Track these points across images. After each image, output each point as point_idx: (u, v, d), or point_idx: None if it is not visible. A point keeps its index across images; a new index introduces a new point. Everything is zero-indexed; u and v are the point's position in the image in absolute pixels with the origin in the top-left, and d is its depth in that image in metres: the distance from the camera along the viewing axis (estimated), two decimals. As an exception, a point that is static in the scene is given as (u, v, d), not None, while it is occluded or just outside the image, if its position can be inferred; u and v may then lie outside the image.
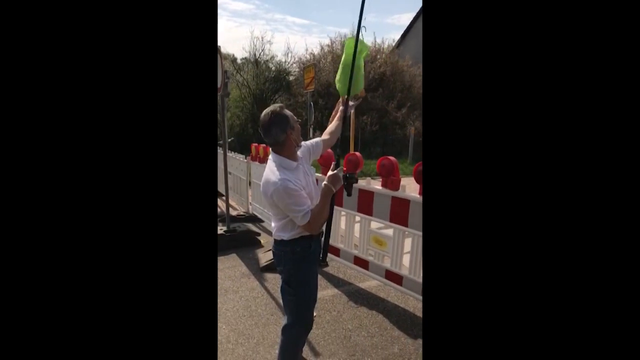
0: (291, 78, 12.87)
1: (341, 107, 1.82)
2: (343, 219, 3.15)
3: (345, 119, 1.79)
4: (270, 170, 1.50)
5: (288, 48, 21.57)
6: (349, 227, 3.07)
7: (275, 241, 1.64)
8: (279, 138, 1.50)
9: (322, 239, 1.69)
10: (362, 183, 2.90)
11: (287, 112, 1.53)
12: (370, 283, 2.98)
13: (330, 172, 1.57)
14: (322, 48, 13.05)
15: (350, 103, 1.79)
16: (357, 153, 3.00)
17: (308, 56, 12.87)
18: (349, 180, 1.64)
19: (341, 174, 1.59)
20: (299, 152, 1.61)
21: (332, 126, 1.83)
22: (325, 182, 1.55)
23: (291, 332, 1.69)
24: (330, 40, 13.31)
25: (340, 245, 3.16)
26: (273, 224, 1.64)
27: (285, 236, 1.57)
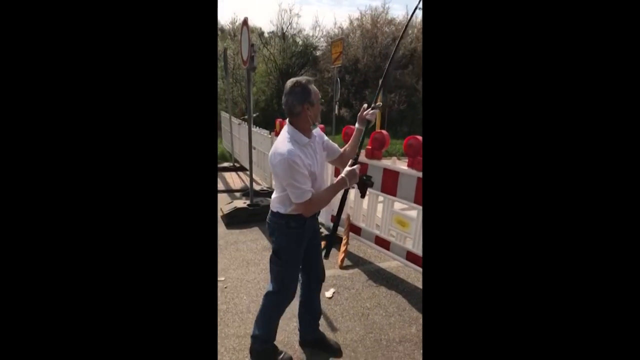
0: (318, 53, 12.60)
1: (357, 126, 1.74)
2: (366, 198, 3.11)
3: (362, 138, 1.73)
4: (281, 140, 1.51)
5: (316, 21, 21.06)
6: (371, 207, 3.04)
7: (272, 212, 1.66)
8: (294, 109, 1.49)
9: (318, 217, 1.71)
10: (388, 162, 2.84)
11: (313, 87, 1.52)
12: (391, 263, 2.97)
13: (349, 167, 1.58)
14: (351, 22, 12.64)
15: (371, 111, 1.73)
16: (384, 131, 2.93)
17: (336, 30, 12.53)
18: (365, 182, 1.64)
19: (358, 172, 1.60)
20: (314, 132, 1.61)
21: (350, 146, 1.76)
22: (343, 174, 1.56)
23: (272, 299, 1.74)
24: (360, 13, 12.88)
25: (362, 225, 3.14)
26: (274, 195, 1.65)
27: (282, 209, 1.59)
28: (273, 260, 1.69)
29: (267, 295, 1.76)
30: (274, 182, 1.67)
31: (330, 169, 3.41)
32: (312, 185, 1.53)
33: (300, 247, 1.68)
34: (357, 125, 1.75)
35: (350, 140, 1.78)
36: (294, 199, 1.51)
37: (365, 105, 1.75)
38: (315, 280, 1.86)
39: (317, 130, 1.64)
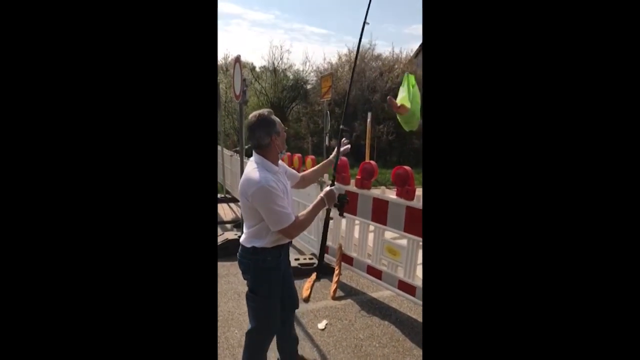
0: (309, 87, 13.02)
1: (332, 156, 1.90)
2: (357, 227, 3.14)
3: (336, 162, 1.89)
4: (251, 171, 1.50)
5: (306, 57, 21.86)
6: (362, 236, 3.07)
7: (244, 248, 1.59)
8: (262, 141, 1.52)
9: (290, 246, 1.72)
10: (377, 192, 2.90)
11: (275, 118, 1.57)
12: (383, 293, 2.96)
13: (327, 188, 1.64)
14: (339, 57, 13.19)
15: (345, 141, 1.93)
16: (372, 162, 3.01)
17: (326, 65, 13.02)
18: (341, 201, 1.69)
19: (336, 193, 1.66)
20: (279, 162, 1.64)
21: (317, 169, 1.92)
22: (322, 194, 1.61)
23: (254, 338, 1.70)
24: (348, 49, 13.45)
25: (354, 254, 3.15)
26: (245, 230, 1.61)
27: (259, 243, 1.54)
28: (250, 298, 1.62)
29: (249, 334, 1.70)
30: (244, 216, 1.60)
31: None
32: None
33: (277, 281, 1.63)
34: (331, 156, 1.89)
35: (315, 166, 1.91)
36: (275, 226, 1.47)
37: (345, 140, 1.92)
38: (290, 308, 1.82)
39: (281, 164, 1.67)
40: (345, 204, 1.70)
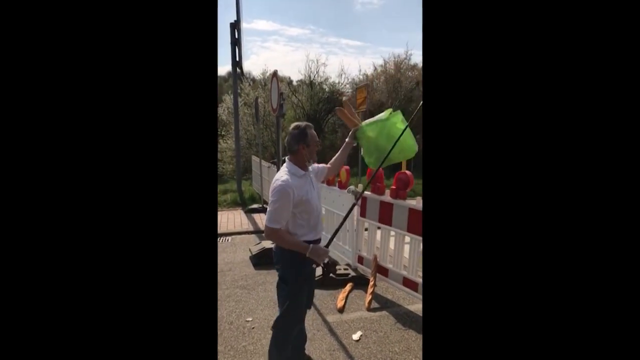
0: (344, 98, 13.12)
1: (347, 140, 2.09)
2: (392, 239, 3.11)
3: (346, 150, 2.08)
4: (282, 172, 1.74)
5: (342, 69, 22.06)
6: (398, 248, 3.03)
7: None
8: (292, 147, 1.76)
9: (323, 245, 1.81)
10: (412, 202, 2.87)
11: (311, 131, 1.79)
12: (419, 305, 2.88)
13: (321, 246, 1.73)
14: (375, 68, 13.23)
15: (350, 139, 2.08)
16: (408, 172, 2.98)
17: (361, 77, 13.09)
18: (327, 268, 1.71)
19: (326, 258, 1.75)
20: (310, 167, 1.85)
21: (337, 157, 2.10)
22: (311, 246, 1.69)
23: (280, 325, 1.82)
24: (384, 60, 13.44)
25: (389, 266, 3.11)
26: None
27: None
28: (280, 287, 1.81)
29: (276, 323, 1.82)
30: None
31: (355, 207, 3.46)
32: (306, 209, 1.73)
33: (305, 271, 1.79)
34: (347, 139, 2.08)
35: (338, 152, 2.08)
36: (266, 220, 1.67)
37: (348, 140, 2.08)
38: (306, 306, 1.94)
39: (312, 165, 1.89)
40: (329, 273, 1.71)
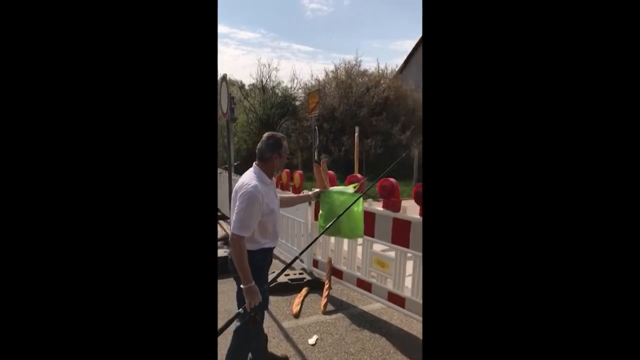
0: (297, 103, 13.17)
1: (309, 194, 2.21)
2: (345, 241, 3.16)
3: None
4: (249, 177, 1.73)
5: (294, 74, 22.17)
6: (351, 249, 3.08)
7: None
8: (264, 154, 1.76)
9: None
10: (365, 205, 2.93)
11: (285, 143, 1.83)
12: (373, 306, 2.95)
13: (258, 289, 1.67)
14: (327, 74, 13.42)
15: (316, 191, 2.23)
16: (392, 179, 2.73)
17: (313, 82, 13.21)
18: (255, 312, 1.71)
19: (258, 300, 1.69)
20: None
21: (291, 198, 2.26)
22: (250, 284, 1.65)
23: (241, 332, 1.81)
24: (335, 66, 13.69)
25: (343, 268, 3.16)
26: None
27: (249, 246, 1.70)
28: (240, 294, 1.77)
29: (237, 331, 1.81)
30: None
31: (310, 212, 3.48)
32: (270, 219, 1.74)
33: (263, 278, 1.82)
34: (310, 193, 2.18)
35: (295, 196, 2.19)
36: (234, 227, 1.63)
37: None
38: (263, 308, 1.93)
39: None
40: (255, 320, 1.73)
